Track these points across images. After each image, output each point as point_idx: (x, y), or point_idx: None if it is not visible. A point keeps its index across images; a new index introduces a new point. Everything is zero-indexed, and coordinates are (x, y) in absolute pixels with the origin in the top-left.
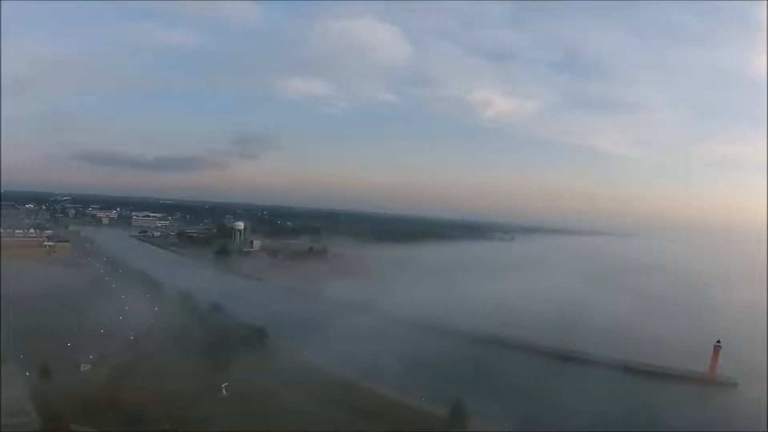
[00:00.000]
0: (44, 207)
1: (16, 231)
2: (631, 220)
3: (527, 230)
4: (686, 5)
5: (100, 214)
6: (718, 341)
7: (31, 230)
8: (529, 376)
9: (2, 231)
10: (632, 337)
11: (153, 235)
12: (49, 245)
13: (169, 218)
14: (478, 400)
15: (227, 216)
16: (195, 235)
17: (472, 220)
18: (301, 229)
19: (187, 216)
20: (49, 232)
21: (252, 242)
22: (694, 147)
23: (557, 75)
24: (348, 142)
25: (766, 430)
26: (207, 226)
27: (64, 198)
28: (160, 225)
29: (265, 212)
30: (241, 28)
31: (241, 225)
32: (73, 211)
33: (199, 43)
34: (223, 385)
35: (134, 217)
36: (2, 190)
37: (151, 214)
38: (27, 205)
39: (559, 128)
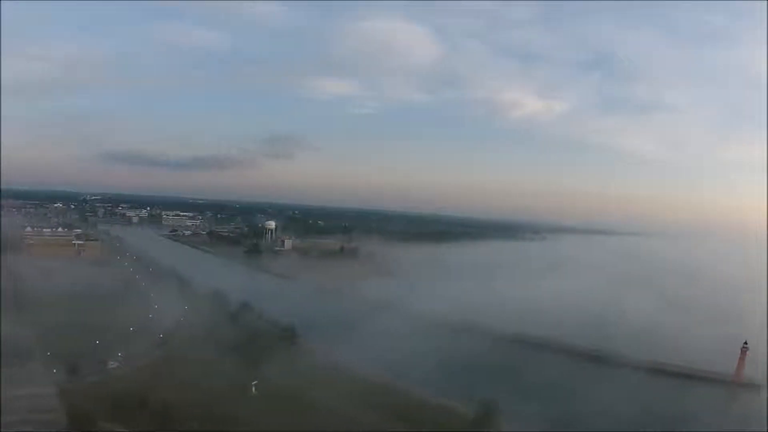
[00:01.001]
0: (73, 206)
1: (44, 230)
2: (660, 220)
3: (557, 230)
4: (714, 5)
5: (129, 213)
6: (745, 343)
7: (60, 229)
8: (559, 376)
9: (29, 230)
10: (660, 338)
11: (183, 234)
12: (78, 244)
13: (200, 217)
14: (508, 401)
15: (258, 215)
16: (226, 234)
17: (502, 219)
18: (332, 229)
19: (218, 215)
20: (78, 231)
21: (283, 241)
22: (723, 148)
23: (585, 76)
24: (378, 142)
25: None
26: (238, 226)
27: (94, 197)
28: (190, 224)
29: (296, 212)
30: (272, 30)
31: (272, 224)
32: (102, 211)
33: (229, 44)
34: (252, 384)
35: (164, 216)
36: (29, 190)
37: (182, 213)
38: (55, 204)
39: (588, 129)
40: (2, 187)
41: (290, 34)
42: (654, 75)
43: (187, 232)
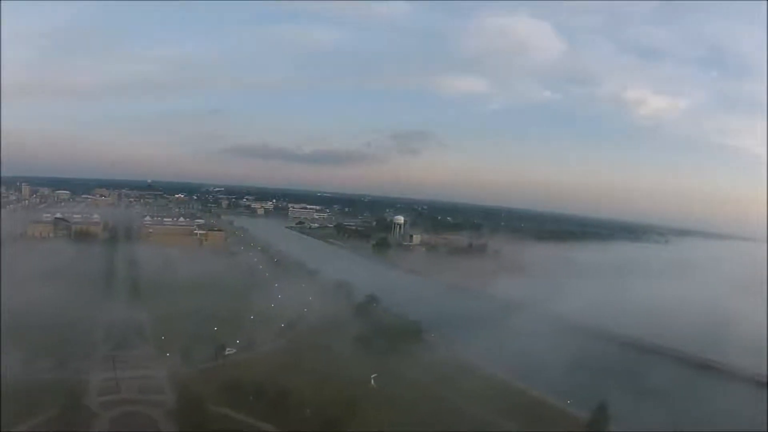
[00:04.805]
0: (195, 197)
1: (165, 219)
2: None
3: (681, 233)
4: None
5: (254, 204)
6: None
7: (181, 219)
8: (672, 384)
9: (148, 219)
10: None
11: (310, 227)
12: (201, 233)
13: (327, 210)
14: (620, 405)
15: (387, 210)
16: (354, 227)
17: (626, 220)
18: (460, 225)
19: (346, 209)
20: (200, 221)
21: (411, 236)
22: None
23: (709, 73)
24: (506, 139)
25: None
26: (366, 220)
27: (217, 189)
28: (317, 217)
29: (424, 207)
30: (398, 28)
31: (400, 219)
32: (226, 202)
33: (358, 43)
34: (372, 376)
35: (291, 208)
36: (150, 181)
37: (309, 206)
38: (176, 195)
39: (713, 128)
40: (125, 179)
41: (416, 32)
42: None
43: (314, 225)
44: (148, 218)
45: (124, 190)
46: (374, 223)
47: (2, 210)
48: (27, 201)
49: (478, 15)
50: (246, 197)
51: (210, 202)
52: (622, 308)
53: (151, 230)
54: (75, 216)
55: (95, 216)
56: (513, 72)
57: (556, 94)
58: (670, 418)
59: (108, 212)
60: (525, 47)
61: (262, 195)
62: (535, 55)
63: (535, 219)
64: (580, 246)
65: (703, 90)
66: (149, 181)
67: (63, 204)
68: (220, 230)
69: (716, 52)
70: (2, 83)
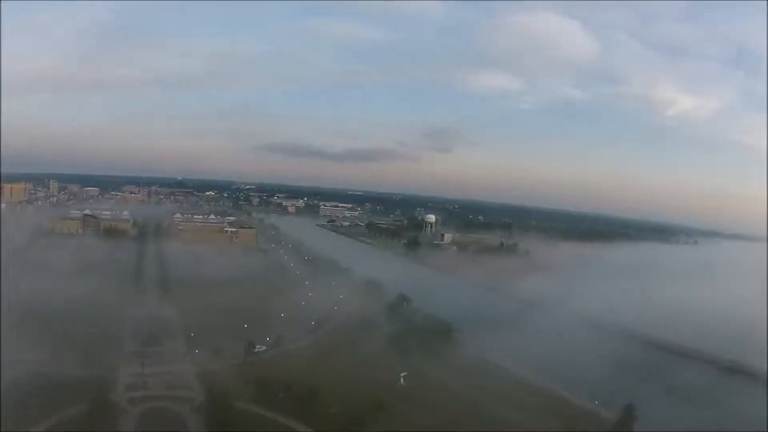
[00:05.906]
0: (226, 195)
1: (195, 216)
2: None
3: (708, 234)
4: None
5: (285, 202)
6: None
7: (212, 216)
8: (698, 386)
9: (178, 216)
10: None
11: (341, 225)
12: (231, 231)
13: (359, 209)
14: (647, 407)
15: (418, 208)
16: (385, 226)
17: (654, 220)
18: (492, 224)
19: (377, 207)
20: (231, 218)
21: (442, 235)
22: None
23: (738, 72)
24: (538, 137)
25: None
26: (397, 218)
27: (248, 186)
28: (348, 215)
29: (456, 206)
30: (429, 25)
31: (432, 218)
32: (257, 199)
33: (388, 39)
34: (401, 375)
35: (322, 206)
36: (180, 178)
37: (340, 205)
38: (207, 193)
39: (742, 128)
40: (155, 176)
41: (447, 30)
42: None
43: (345, 223)
44: (178, 215)
45: (153, 188)
46: (405, 221)
47: (31, 206)
48: (56, 198)
49: (508, 13)
50: (277, 195)
51: (241, 199)
52: (653, 310)
53: (181, 227)
54: (104, 213)
55: (124, 213)
56: (543, 70)
57: (585, 92)
58: (696, 419)
59: (137, 209)
60: (555, 45)
61: (293, 193)
62: (565, 53)
63: (565, 219)
64: (609, 246)
65: (733, 90)
66: (179, 178)
67: (92, 201)
68: (251, 228)
69: (746, 51)
70: (30, 79)
